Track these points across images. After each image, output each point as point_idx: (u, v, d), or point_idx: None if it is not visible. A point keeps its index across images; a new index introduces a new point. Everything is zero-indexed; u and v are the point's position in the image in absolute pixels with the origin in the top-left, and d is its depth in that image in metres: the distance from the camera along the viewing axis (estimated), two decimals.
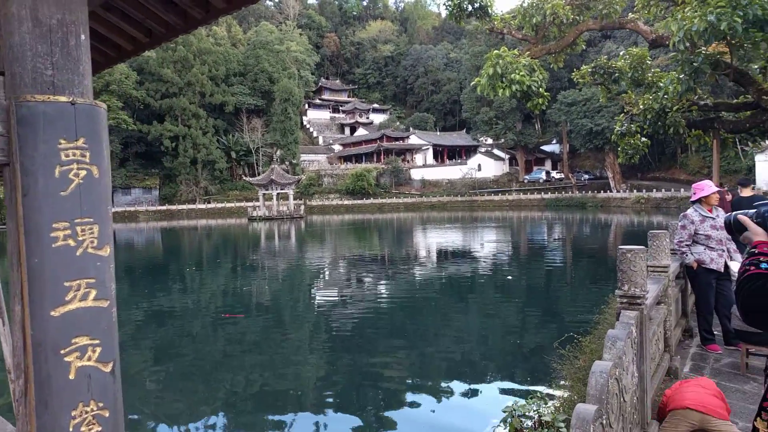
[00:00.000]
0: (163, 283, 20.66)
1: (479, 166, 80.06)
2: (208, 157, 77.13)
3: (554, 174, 76.43)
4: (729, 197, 11.59)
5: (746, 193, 10.42)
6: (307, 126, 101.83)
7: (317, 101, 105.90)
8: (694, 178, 41.61)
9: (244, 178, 73.67)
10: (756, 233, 1.89)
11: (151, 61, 74.52)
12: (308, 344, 11.59)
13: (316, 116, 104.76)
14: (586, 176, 74.24)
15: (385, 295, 16.79)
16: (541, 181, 74.60)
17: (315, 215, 66.45)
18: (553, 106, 69.13)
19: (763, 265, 1.74)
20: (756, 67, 14.90)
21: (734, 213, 2.00)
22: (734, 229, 2.00)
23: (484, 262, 23.65)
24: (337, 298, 16.41)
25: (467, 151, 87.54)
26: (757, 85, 12.50)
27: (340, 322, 13.32)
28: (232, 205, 72.86)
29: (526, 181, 76.51)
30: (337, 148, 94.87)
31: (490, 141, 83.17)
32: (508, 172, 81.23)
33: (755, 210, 1.93)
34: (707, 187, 6.41)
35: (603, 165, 69.91)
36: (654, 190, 58.20)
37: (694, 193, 6.60)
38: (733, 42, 11.50)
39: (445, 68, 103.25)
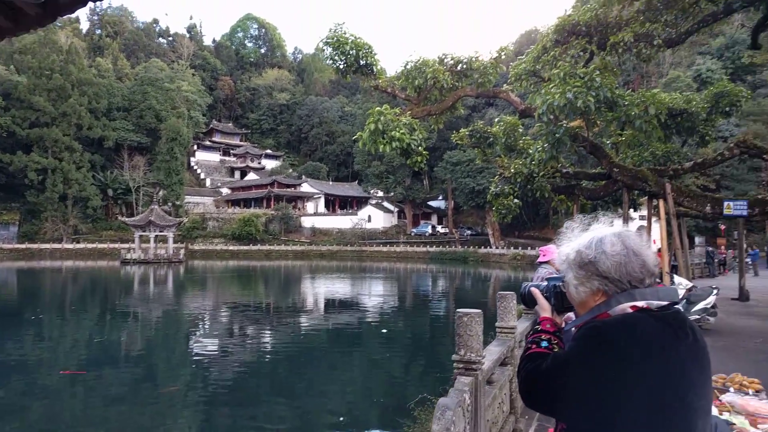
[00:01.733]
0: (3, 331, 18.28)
1: (369, 217, 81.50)
2: (81, 193, 71.29)
3: (439, 228, 79.70)
4: None
5: None
6: (195, 167, 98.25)
7: (207, 143, 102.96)
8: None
9: (120, 218, 68.79)
10: (543, 308, 1.77)
11: (21, 87, 68.67)
12: (183, 399, 10.77)
13: (205, 158, 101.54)
14: (469, 232, 78.14)
15: (268, 346, 16.19)
16: (427, 234, 77.31)
17: (197, 260, 63.29)
18: (440, 165, 72.88)
19: (544, 344, 1.64)
20: (608, 142, 16.89)
21: (528, 285, 1.85)
22: (527, 301, 1.84)
23: (370, 312, 23.73)
24: (216, 349, 15.53)
25: (359, 202, 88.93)
26: (609, 158, 14.11)
27: (220, 374, 12.58)
28: (105, 246, 67.37)
29: (413, 233, 78.90)
30: (225, 191, 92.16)
31: (380, 193, 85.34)
32: (397, 225, 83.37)
33: (546, 283, 1.80)
34: (550, 252, 6.98)
35: (484, 222, 74.10)
36: (529, 247, 62.41)
37: (543, 255, 7.16)
38: (590, 118, 12.96)
39: (340, 120, 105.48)
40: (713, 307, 11.41)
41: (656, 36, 13.97)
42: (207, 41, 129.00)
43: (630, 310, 1.45)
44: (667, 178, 14.70)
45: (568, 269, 1.59)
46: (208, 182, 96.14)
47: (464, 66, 13.78)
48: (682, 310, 8.86)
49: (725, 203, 13.97)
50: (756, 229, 52.79)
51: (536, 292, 1.79)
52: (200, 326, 20.03)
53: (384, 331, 18.82)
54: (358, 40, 13.14)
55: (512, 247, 64.48)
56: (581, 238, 1.60)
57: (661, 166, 16.50)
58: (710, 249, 33.07)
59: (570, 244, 1.62)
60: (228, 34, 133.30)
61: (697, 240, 52.12)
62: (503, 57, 15.32)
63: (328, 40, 12.90)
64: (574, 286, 1.58)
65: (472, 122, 18.25)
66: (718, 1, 14.51)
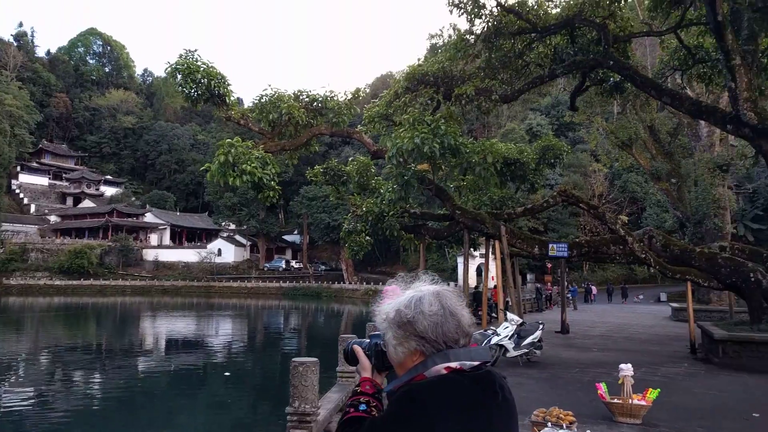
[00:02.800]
0: None
1: (219, 250, 77.94)
2: None
3: (294, 263, 78.67)
4: None
5: None
6: (17, 191, 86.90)
7: (34, 164, 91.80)
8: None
9: None
10: (363, 368, 1.68)
11: None
12: None
13: (30, 181, 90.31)
14: (323, 267, 78.22)
15: (98, 392, 14.47)
16: (280, 269, 75.83)
17: (13, 297, 55.30)
18: (296, 199, 72.56)
19: (362, 407, 1.56)
20: (452, 185, 18.10)
21: (351, 341, 1.76)
22: (349, 359, 1.73)
23: (215, 353, 22.37)
24: (32, 399, 13.47)
25: (208, 235, 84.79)
26: (452, 200, 15.06)
27: (35, 427, 10.85)
28: None
29: (266, 268, 76.88)
30: (54, 219, 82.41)
31: (232, 226, 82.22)
32: (249, 259, 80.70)
33: (369, 340, 1.72)
34: (391, 292, 7.16)
35: (338, 257, 74.74)
36: (381, 282, 64.07)
37: (384, 297, 7.29)
38: (435, 163, 13.75)
39: (192, 149, 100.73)
40: (540, 340, 12.49)
41: (494, 91, 15.40)
42: (40, 52, 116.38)
43: (444, 371, 1.44)
44: (503, 221, 16.04)
45: (388, 328, 1.55)
46: (32, 208, 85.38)
47: (319, 104, 13.97)
48: (514, 344, 9.51)
49: (550, 245, 15.56)
50: (576, 267, 59.72)
51: (358, 350, 1.71)
52: (11, 374, 17.32)
53: (227, 373, 17.79)
54: (211, 69, 12.69)
55: (365, 282, 65.63)
56: (402, 297, 1.57)
57: (498, 209, 17.98)
58: (539, 286, 36.57)
59: (391, 302, 1.58)
60: (66, 47, 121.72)
61: (529, 277, 57.44)
62: (360, 97, 15.79)
63: (178, 66, 12.28)
64: (393, 346, 1.53)
65: (329, 159, 18.53)
66: (544, 66, 16.47)
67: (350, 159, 16.98)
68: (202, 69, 12.48)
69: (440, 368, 1.44)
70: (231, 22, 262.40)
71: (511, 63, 15.90)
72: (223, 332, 30.27)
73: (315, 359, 3.46)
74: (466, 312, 1.55)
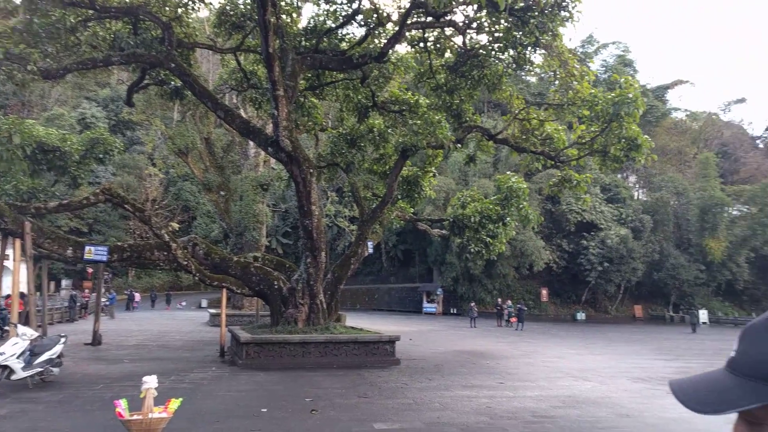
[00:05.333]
0: None
1: None
2: None
3: None
4: None
5: None
6: None
7: None
8: None
9: None
10: None
11: None
12: None
13: None
14: None
15: None
16: None
17: None
18: None
19: None
20: None
21: None
22: None
23: None
24: None
25: None
26: None
27: None
28: None
29: None
30: None
31: None
32: None
33: None
34: None
35: None
36: None
37: None
38: None
39: None
40: (59, 356, 10.82)
41: (33, 62, 12.90)
42: None
43: None
44: (29, 216, 13.46)
45: None
46: None
47: None
48: (24, 363, 7.79)
49: (86, 248, 13.89)
50: (121, 273, 56.66)
51: None
52: None
53: None
54: None
55: None
56: None
57: (25, 202, 15.07)
58: (74, 293, 32.78)
59: None
60: None
61: (65, 283, 51.16)
62: None
63: None
64: None
65: None
66: (101, 50, 14.88)
67: None
68: None
69: None
70: None
71: (59, 35, 13.69)
72: None
73: None
74: None
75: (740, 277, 46.83)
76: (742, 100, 74.91)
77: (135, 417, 6.78)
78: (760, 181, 51.68)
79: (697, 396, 0.76)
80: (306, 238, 15.23)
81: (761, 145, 67.43)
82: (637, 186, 55.85)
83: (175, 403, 7.03)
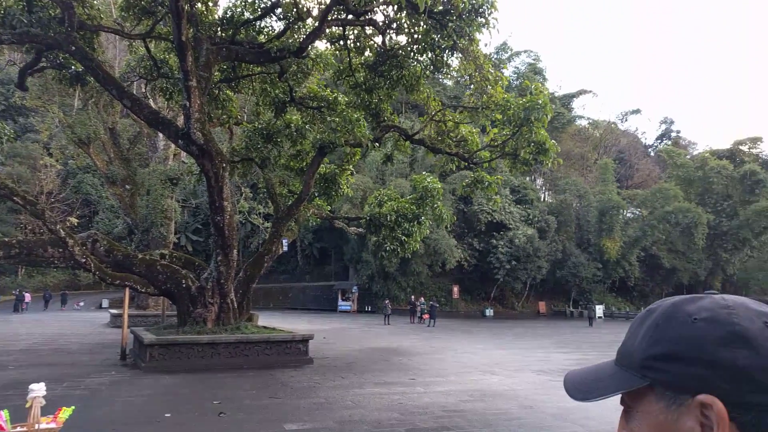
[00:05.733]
0: None
1: None
2: None
3: None
4: None
5: None
6: None
7: None
8: None
9: None
10: None
11: None
12: None
13: None
14: None
15: None
16: None
17: None
18: None
19: None
20: None
21: None
22: None
23: None
24: None
25: None
26: None
27: None
28: None
29: None
30: None
31: None
32: None
33: None
34: None
35: None
36: None
37: None
38: None
39: None
40: None
41: None
42: None
43: None
44: None
45: None
46: None
47: None
48: None
49: None
50: (9, 271, 52.07)
51: None
52: None
53: None
54: None
55: None
56: None
57: None
58: None
59: None
60: None
61: None
62: None
63: None
64: None
65: None
66: None
67: None
68: None
69: None
70: None
71: None
72: None
73: None
74: None
75: (632, 275, 50.67)
76: (637, 111, 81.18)
77: (18, 430, 6.21)
78: (650, 186, 56.23)
79: (580, 384, 0.82)
80: (217, 235, 14.69)
81: (652, 153, 73.42)
82: (543, 188, 58.89)
83: (66, 412, 6.51)
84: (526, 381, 12.22)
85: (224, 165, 14.38)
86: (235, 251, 14.97)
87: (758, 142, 59.53)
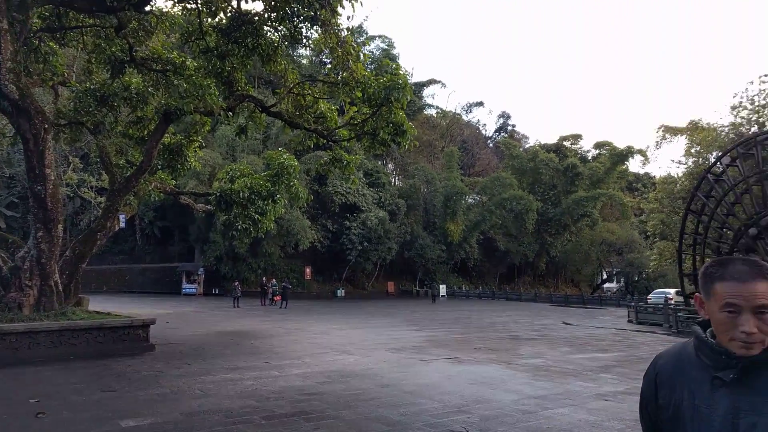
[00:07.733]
0: None
1: None
2: None
3: None
4: None
5: None
6: None
7: None
8: None
9: None
10: None
11: None
12: None
13: None
14: None
15: None
16: None
17: None
18: None
19: None
20: None
21: None
22: None
23: None
24: None
25: None
26: None
27: None
28: None
29: None
30: None
31: None
32: None
33: None
34: None
35: None
36: None
37: None
38: None
39: None
40: None
41: None
42: None
43: None
44: None
45: None
46: None
47: None
48: None
49: None
50: None
51: None
52: None
53: None
54: None
55: None
56: None
57: None
58: None
59: None
60: None
61: None
62: None
63: None
64: None
65: None
66: None
67: None
68: None
69: None
70: None
71: None
72: None
73: None
74: None
75: (472, 256, 54.55)
76: (480, 104, 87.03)
77: None
78: (489, 174, 60.78)
79: None
80: (37, 207, 12.65)
81: (491, 144, 79.39)
82: (394, 173, 60.71)
83: None
84: (382, 359, 12.32)
85: (46, 126, 12.37)
86: (60, 226, 13.04)
87: (579, 139, 67.45)
